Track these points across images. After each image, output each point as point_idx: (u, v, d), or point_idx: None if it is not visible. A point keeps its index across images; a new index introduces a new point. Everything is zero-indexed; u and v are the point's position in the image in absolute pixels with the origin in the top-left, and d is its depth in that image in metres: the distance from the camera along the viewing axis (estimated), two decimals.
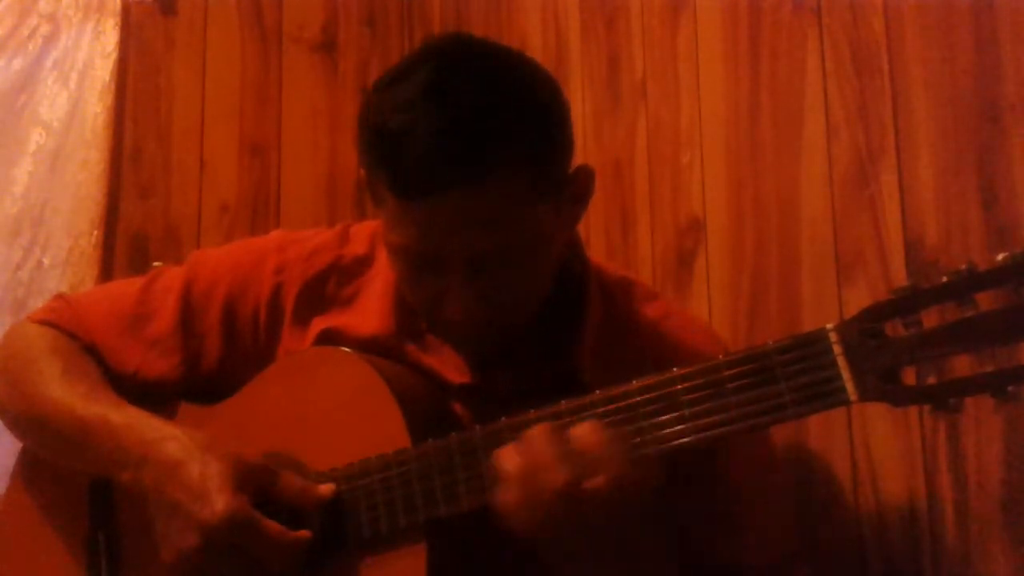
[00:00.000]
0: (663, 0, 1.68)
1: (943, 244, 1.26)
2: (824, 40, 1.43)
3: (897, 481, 1.31)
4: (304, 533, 1.10)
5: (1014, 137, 1.21)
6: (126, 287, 1.35)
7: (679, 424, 0.99)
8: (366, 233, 1.29)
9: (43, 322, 1.32)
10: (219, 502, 1.07)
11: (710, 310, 1.55)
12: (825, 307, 1.39)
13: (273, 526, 1.09)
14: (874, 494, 1.34)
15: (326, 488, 1.12)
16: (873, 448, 1.34)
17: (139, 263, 1.95)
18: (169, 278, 1.31)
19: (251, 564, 1.09)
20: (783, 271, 1.46)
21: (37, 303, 1.84)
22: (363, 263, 1.27)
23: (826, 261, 1.40)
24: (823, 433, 1.39)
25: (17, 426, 1.31)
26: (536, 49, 1.89)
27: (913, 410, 1.29)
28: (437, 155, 1.02)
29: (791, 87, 1.47)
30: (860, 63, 1.38)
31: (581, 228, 1.78)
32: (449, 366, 1.20)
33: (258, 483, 1.11)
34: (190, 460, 1.11)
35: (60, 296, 1.37)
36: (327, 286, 1.26)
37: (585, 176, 1.15)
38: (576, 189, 1.14)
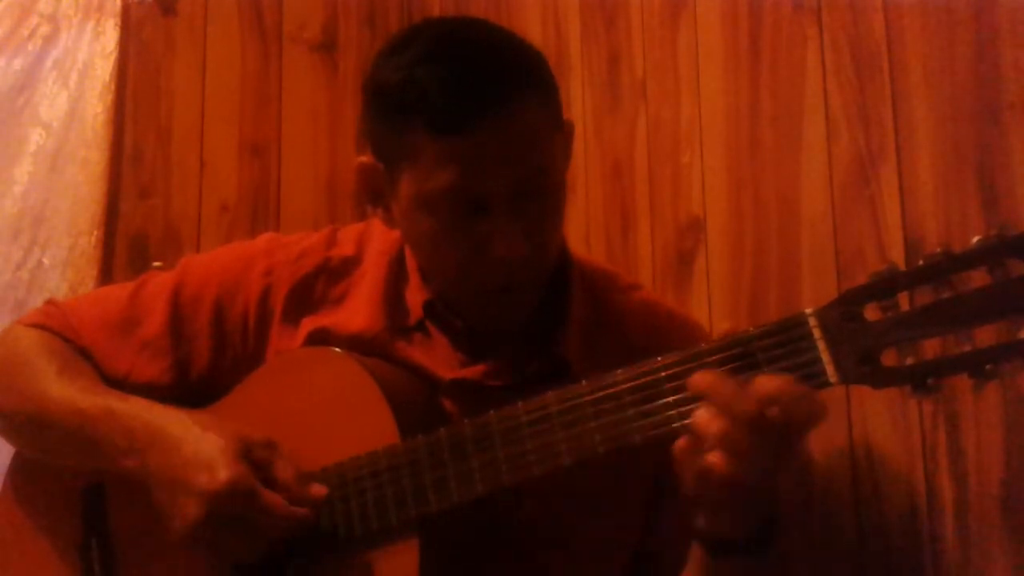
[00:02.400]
0: (663, 0, 1.68)
1: (943, 244, 1.26)
2: (824, 40, 1.43)
3: (897, 481, 1.31)
4: (303, 511, 1.11)
5: (1014, 137, 1.21)
6: (116, 292, 1.35)
7: (666, 411, 0.99)
8: (353, 235, 1.30)
9: (35, 325, 1.31)
10: (221, 471, 1.08)
11: (710, 310, 1.55)
12: None
13: (274, 496, 1.10)
14: (874, 494, 1.34)
15: (319, 489, 1.13)
16: (873, 448, 1.34)
17: (139, 263, 1.95)
18: (159, 282, 1.32)
19: (254, 534, 1.09)
20: (783, 271, 1.46)
21: (37, 303, 1.82)
22: (351, 264, 1.28)
23: (826, 261, 1.40)
24: (823, 433, 1.39)
25: (16, 430, 1.30)
26: None
27: (913, 409, 1.29)
28: (468, 87, 1.07)
29: (791, 87, 1.47)
30: (860, 63, 1.38)
31: (581, 227, 1.79)
32: (439, 361, 1.21)
33: (259, 458, 1.12)
34: (192, 437, 1.13)
35: (51, 301, 1.37)
36: (316, 287, 1.27)
37: (570, 128, 1.20)
38: (567, 137, 1.19)
